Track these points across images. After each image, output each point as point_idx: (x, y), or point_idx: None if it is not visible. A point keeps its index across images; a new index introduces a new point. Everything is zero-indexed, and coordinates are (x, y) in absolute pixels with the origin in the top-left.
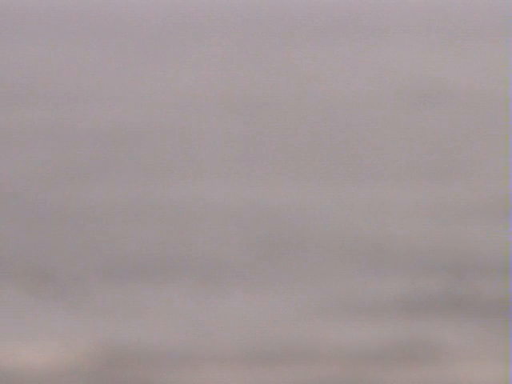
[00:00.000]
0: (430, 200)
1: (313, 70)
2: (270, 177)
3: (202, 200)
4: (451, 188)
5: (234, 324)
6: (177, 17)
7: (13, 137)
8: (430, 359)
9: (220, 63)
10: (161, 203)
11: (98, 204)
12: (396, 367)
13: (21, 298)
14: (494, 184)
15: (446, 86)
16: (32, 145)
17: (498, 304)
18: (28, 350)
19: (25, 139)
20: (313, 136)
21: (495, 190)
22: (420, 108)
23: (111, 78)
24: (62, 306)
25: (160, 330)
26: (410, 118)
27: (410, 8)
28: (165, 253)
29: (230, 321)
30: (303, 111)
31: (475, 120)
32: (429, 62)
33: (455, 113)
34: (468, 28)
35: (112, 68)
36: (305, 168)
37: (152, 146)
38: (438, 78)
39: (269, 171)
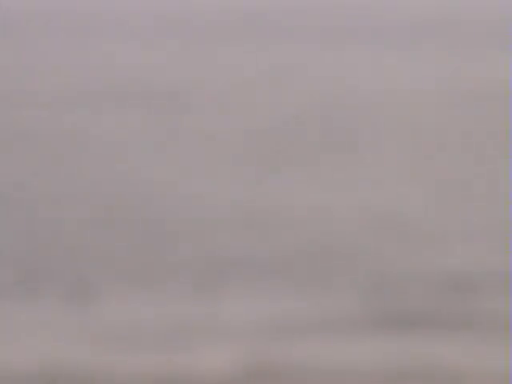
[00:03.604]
0: (429, 213)
1: (316, 71)
2: (265, 178)
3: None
4: (452, 196)
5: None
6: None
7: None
8: (427, 378)
9: (216, 59)
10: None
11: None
12: None
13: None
14: (494, 204)
15: (443, 87)
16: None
17: (500, 320)
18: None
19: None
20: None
21: (496, 210)
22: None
23: (111, 76)
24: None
25: None
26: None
27: (406, 8)
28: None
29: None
30: (303, 112)
31: (479, 121)
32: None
33: (456, 112)
34: (470, 30)
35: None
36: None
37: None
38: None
39: (267, 171)
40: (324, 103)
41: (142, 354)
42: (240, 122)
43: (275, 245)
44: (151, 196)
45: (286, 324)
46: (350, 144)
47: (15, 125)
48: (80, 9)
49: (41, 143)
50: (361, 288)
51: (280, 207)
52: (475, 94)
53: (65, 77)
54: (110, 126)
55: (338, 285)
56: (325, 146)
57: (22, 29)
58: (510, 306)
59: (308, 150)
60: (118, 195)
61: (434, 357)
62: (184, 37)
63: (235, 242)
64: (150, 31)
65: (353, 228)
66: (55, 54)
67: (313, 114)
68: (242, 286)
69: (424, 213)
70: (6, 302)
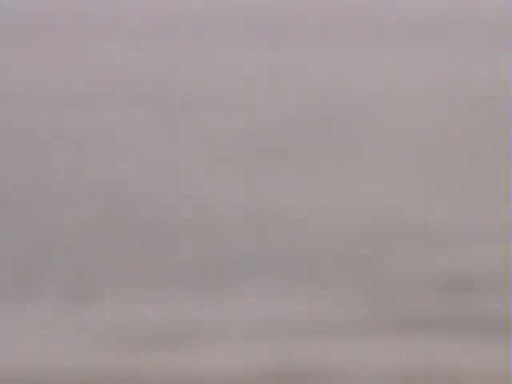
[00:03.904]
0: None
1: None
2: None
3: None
4: (455, 207)
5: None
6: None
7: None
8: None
9: (218, 63)
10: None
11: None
12: None
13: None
14: (494, 204)
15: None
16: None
17: (500, 320)
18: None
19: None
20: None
21: (496, 210)
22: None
23: (111, 76)
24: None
25: None
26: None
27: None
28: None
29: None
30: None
31: (483, 122)
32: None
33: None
34: (470, 30)
35: (111, 67)
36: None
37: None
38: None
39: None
40: (324, 103)
41: (142, 354)
42: (240, 122)
43: (275, 245)
44: (151, 196)
45: (285, 324)
46: (349, 144)
47: (15, 125)
48: (80, 8)
49: (41, 143)
50: (360, 288)
51: (280, 207)
52: (475, 93)
53: (65, 76)
54: (110, 125)
55: (337, 285)
56: (325, 146)
57: (22, 29)
58: (510, 306)
59: (308, 150)
60: (117, 195)
61: (433, 357)
62: (184, 36)
63: (235, 242)
64: (150, 31)
65: (353, 228)
66: (55, 54)
67: (313, 113)
68: (241, 286)
69: (424, 213)
70: (5, 302)
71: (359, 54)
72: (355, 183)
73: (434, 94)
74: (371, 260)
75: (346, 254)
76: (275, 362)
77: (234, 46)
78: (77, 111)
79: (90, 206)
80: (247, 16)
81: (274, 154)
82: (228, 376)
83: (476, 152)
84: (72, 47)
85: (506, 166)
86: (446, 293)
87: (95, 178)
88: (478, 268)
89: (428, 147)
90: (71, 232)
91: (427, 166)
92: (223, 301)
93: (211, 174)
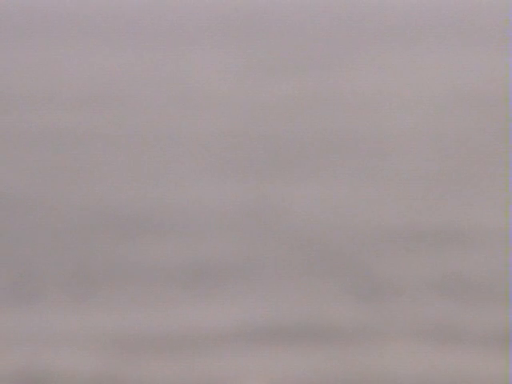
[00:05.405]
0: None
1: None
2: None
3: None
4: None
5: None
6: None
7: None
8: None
9: (222, 65)
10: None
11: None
12: None
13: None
14: (495, 204)
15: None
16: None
17: (499, 321)
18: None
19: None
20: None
21: (496, 211)
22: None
23: (111, 78)
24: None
25: None
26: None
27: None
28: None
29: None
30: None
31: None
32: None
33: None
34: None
35: (111, 69)
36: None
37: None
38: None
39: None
40: (324, 104)
41: (140, 356)
42: (240, 123)
43: (275, 245)
44: (151, 197)
45: (285, 325)
46: (350, 144)
47: (14, 125)
48: (80, 8)
49: (41, 143)
50: (360, 289)
51: (280, 207)
52: (475, 93)
53: (65, 77)
54: (110, 126)
55: (337, 286)
56: (325, 146)
57: (22, 29)
58: (509, 307)
59: (308, 149)
60: (117, 196)
61: (432, 360)
62: (184, 36)
63: (235, 242)
64: (149, 31)
65: (353, 228)
66: (55, 54)
67: (313, 114)
68: (241, 287)
69: (424, 213)
70: (3, 304)
71: (359, 53)
72: (355, 183)
73: (434, 93)
74: (371, 260)
75: (345, 254)
76: (276, 362)
77: (233, 45)
78: (77, 111)
79: (89, 207)
80: (247, 16)
81: (274, 154)
82: (227, 377)
83: (476, 152)
84: (72, 47)
85: (506, 166)
86: (446, 293)
87: (95, 177)
88: (478, 268)
89: (428, 147)
90: (70, 233)
91: (427, 166)
92: (222, 302)
93: (211, 174)
